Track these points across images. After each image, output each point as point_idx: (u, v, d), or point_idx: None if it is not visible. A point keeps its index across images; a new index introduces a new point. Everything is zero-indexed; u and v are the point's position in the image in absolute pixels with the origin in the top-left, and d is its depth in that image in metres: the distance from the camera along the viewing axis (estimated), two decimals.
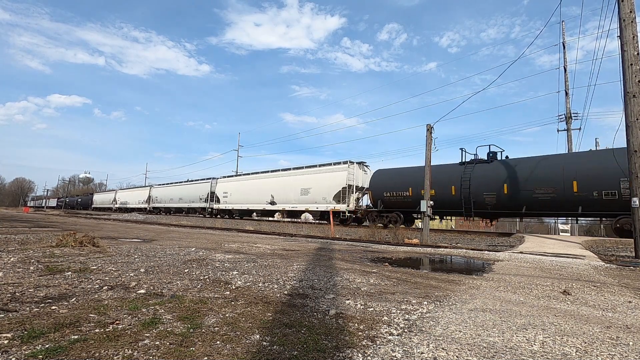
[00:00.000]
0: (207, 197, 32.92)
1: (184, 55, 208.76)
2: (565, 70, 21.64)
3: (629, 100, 7.82)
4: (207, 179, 34.29)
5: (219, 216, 31.29)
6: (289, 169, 25.52)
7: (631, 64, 7.81)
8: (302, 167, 24.68)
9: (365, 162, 22.40)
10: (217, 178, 32.91)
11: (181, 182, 40.02)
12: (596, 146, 13.37)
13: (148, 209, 43.90)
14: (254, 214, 28.44)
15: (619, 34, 8.18)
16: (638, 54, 7.82)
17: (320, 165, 23.46)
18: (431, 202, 13.66)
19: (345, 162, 21.44)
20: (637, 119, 7.71)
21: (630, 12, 8.01)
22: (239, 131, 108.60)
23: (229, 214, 30.77)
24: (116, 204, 53.61)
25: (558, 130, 22.04)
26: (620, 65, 8.09)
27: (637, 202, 7.65)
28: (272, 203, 25.40)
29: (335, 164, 22.21)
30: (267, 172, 27.86)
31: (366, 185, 20.83)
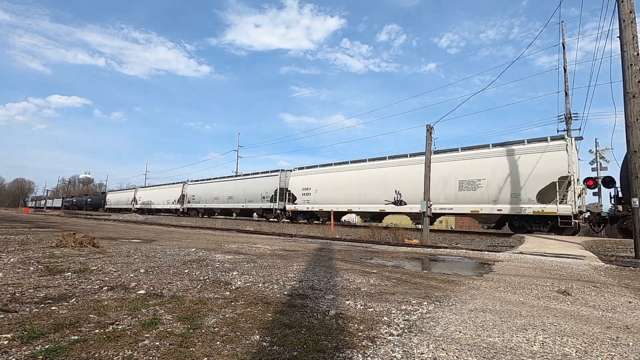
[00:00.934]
0: (275, 195, 24.87)
1: (183, 56, 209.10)
2: (565, 70, 21.66)
3: (629, 100, 7.82)
4: (274, 171, 26.22)
5: (285, 220, 24.25)
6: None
7: (631, 65, 7.81)
8: (456, 150, 16.39)
9: (579, 137, 14.20)
10: (290, 170, 25.41)
11: (231, 176, 31.98)
12: (596, 147, 12.79)
13: (182, 210, 36.91)
14: (355, 216, 21.37)
15: (618, 35, 8.18)
16: (638, 54, 7.83)
17: (495, 145, 15.15)
18: (431, 202, 13.65)
19: (558, 138, 13.53)
20: (637, 119, 7.72)
21: (630, 12, 8.02)
22: (239, 131, 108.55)
23: (310, 217, 23.02)
24: (136, 204, 46.39)
25: (558, 131, 22.03)
26: (620, 66, 8.11)
27: (637, 202, 7.65)
28: (399, 203, 17.90)
29: (532, 140, 13.96)
30: (383, 159, 19.54)
31: (576, 174, 13.20)
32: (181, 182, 38.85)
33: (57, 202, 78.62)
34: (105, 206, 55.65)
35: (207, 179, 34.77)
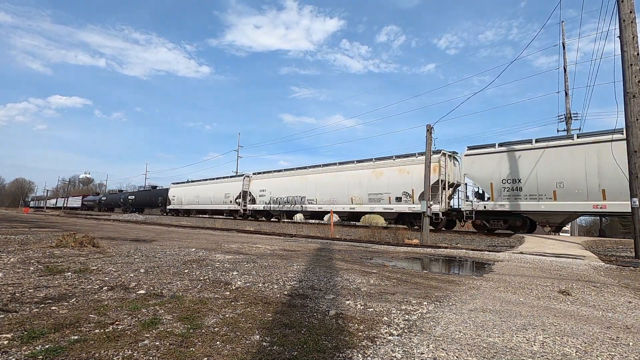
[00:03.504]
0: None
1: (184, 56, 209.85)
2: (565, 70, 21.65)
3: (629, 100, 7.82)
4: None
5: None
6: None
7: (631, 64, 7.81)
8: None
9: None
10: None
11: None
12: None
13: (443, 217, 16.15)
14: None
15: (618, 35, 8.18)
16: (638, 54, 7.82)
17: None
18: (431, 202, 13.65)
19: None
20: (637, 119, 7.71)
21: (630, 12, 8.02)
22: (239, 132, 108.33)
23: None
24: (253, 202, 25.11)
25: (558, 131, 22.05)
26: (619, 65, 8.10)
27: (637, 202, 7.65)
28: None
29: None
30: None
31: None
32: (412, 156, 17.78)
33: (76, 202, 58.19)
34: (169, 206, 34.91)
35: (519, 145, 14.54)
